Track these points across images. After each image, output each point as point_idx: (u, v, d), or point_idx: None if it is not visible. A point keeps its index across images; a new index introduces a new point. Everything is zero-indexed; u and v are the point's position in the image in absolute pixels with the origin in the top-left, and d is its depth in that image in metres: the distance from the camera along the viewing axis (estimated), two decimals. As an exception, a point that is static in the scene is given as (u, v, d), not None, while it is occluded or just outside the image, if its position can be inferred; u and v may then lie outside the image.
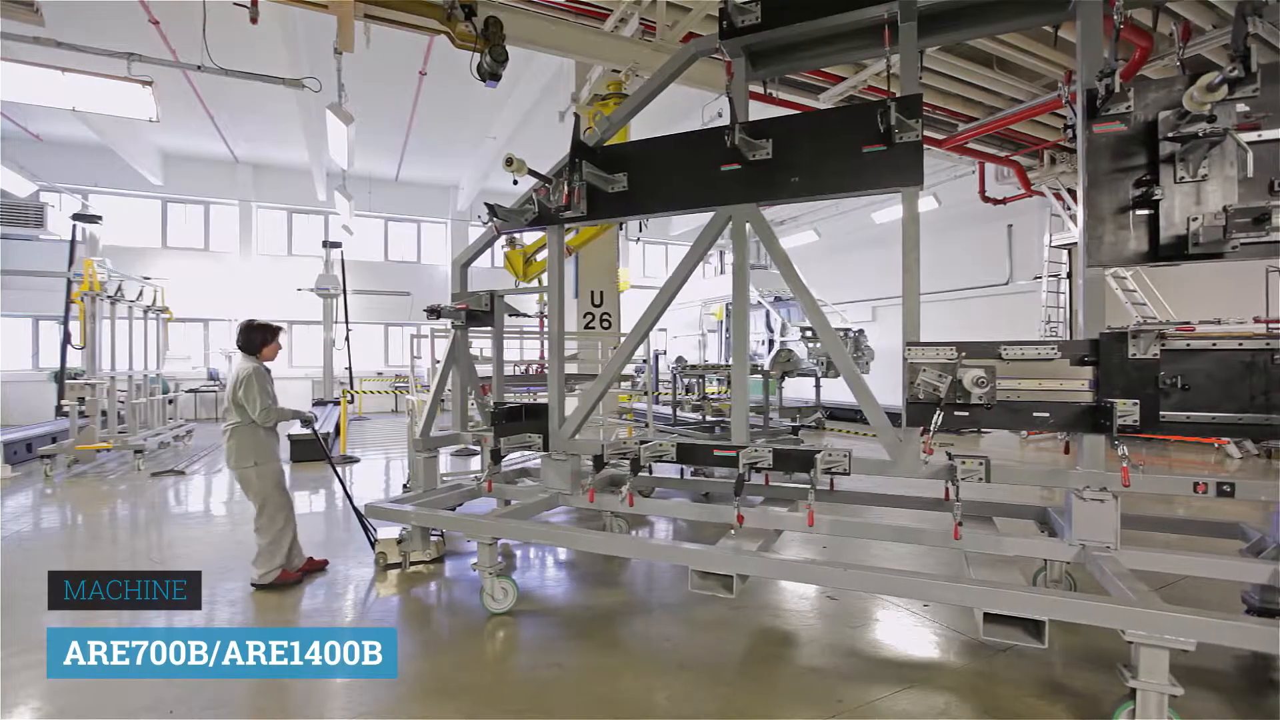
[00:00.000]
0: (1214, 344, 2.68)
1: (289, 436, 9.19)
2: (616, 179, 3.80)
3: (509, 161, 3.45)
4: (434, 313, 4.69)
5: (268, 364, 4.19)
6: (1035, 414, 2.88)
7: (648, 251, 21.38)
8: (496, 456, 4.06)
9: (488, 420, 4.40)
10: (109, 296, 9.41)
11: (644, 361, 8.41)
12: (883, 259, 16.18)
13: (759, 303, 13.80)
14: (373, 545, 4.38)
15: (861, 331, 12.94)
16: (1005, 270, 13.25)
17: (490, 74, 5.08)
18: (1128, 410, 2.68)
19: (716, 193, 3.59)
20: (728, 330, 14.64)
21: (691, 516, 4.24)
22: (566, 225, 4.17)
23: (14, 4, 5.22)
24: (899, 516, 4.26)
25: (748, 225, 3.58)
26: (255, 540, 3.98)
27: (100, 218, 10.61)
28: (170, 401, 11.93)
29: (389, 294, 15.46)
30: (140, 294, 10.69)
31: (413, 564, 4.31)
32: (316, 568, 4.29)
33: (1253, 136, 2.58)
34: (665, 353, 15.21)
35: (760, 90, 8.11)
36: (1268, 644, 2.20)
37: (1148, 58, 7.02)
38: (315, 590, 3.99)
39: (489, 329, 4.64)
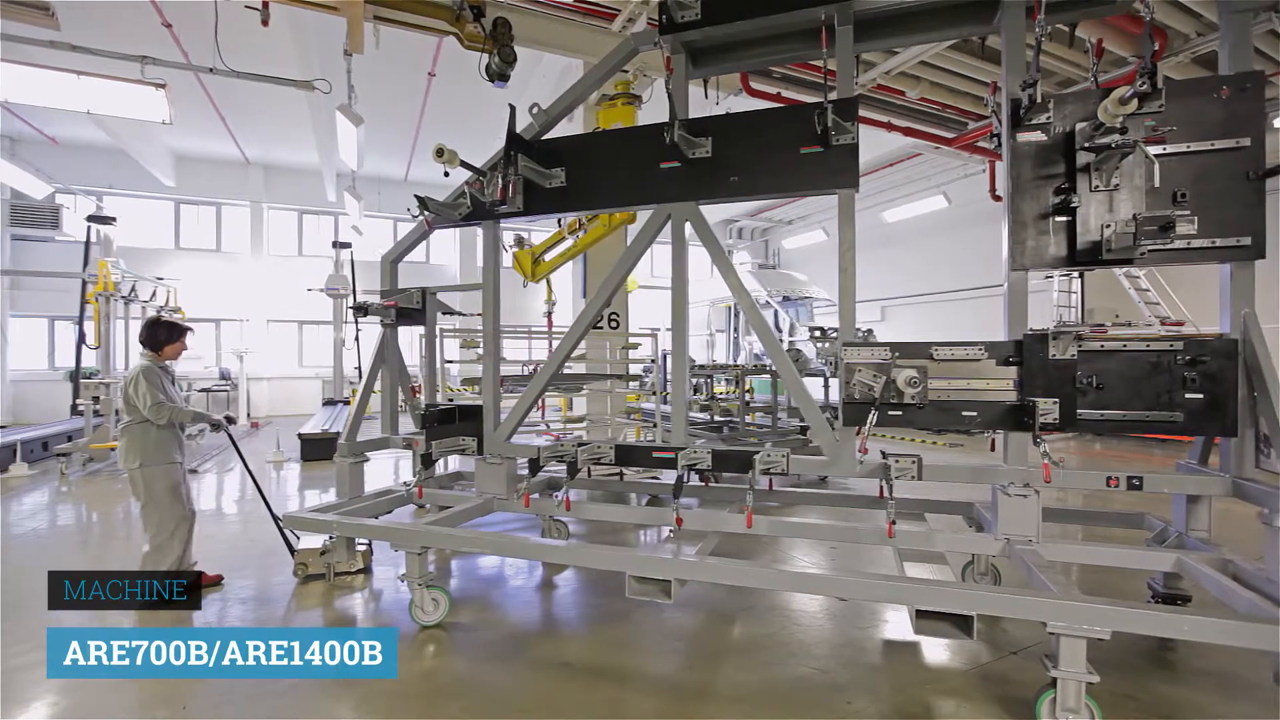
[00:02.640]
0: (1125, 345, 2.85)
1: (299, 436, 9.26)
2: (554, 174, 3.73)
3: (439, 152, 3.28)
4: (362, 310, 4.49)
5: (169, 363, 4.07)
6: (964, 413, 3.01)
7: (656, 251, 21.34)
8: (427, 461, 3.88)
9: (419, 422, 4.17)
10: (123, 297, 9.58)
11: (651, 361, 8.38)
12: (892, 258, 16.16)
13: (767, 302, 13.77)
14: (293, 554, 4.21)
15: (870, 331, 12.90)
16: (1016, 269, 13.12)
17: (499, 75, 5.10)
18: (1048, 409, 2.83)
19: (656, 190, 3.58)
20: (735, 329, 14.62)
21: (635, 520, 4.18)
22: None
23: (30, 8, 5.29)
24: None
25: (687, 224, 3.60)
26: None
27: (114, 219, 10.78)
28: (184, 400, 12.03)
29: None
30: (153, 294, 10.87)
31: (338, 574, 4.15)
32: (210, 583, 4.06)
33: (1159, 149, 2.78)
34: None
35: (766, 90, 8.12)
36: (1173, 630, 2.38)
37: (1161, 55, 6.96)
38: (223, 603, 3.83)
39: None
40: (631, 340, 8.07)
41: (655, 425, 7.24)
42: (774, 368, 10.45)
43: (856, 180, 3.20)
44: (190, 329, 4.13)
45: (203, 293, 14.75)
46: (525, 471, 3.89)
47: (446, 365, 7.32)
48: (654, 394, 7.93)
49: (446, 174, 3.58)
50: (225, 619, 3.63)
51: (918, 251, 15.32)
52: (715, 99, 4.30)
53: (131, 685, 2.83)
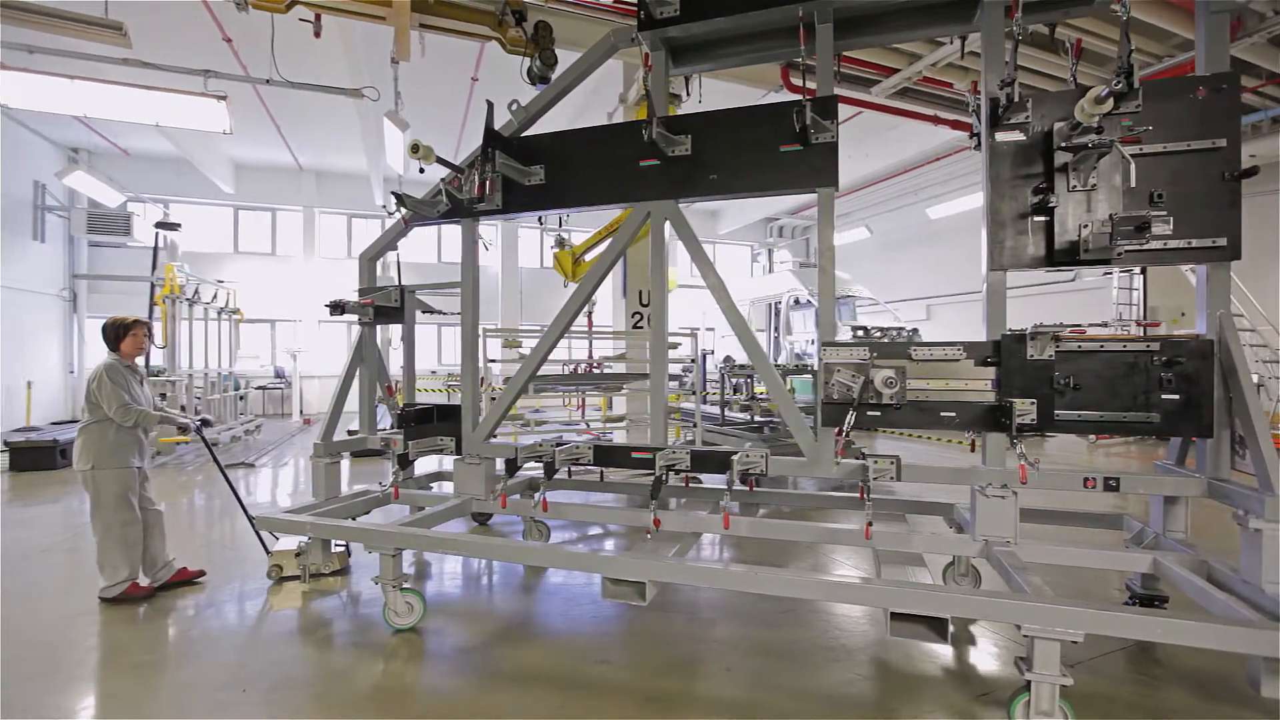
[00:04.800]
0: (1102, 346, 2.86)
1: (348, 432, 9.59)
2: (533, 171, 3.72)
3: (414, 148, 3.21)
4: (338, 308, 4.43)
5: (137, 359, 4.06)
6: (943, 414, 3.04)
7: (694, 250, 21.28)
8: (404, 461, 3.81)
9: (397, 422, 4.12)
10: (187, 299, 10.01)
11: (691, 360, 8.34)
12: (938, 256, 15.72)
13: (809, 301, 13.57)
14: (269, 555, 4.22)
15: (915, 330, 12.57)
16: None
17: (540, 78, 5.18)
18: (1025, 409, 2.84)
19: (635, 188, 3.56)
20: (776, 329, 14.43)
21: (613, 521, 4.14)
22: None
23: (106, 29, 5.62)
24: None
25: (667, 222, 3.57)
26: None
27: (179, 225, 11.35)
28: (241, 398, 12.64)
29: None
30: (214, 296, 11.36)
31: (313, 576, 4.14)
32: (190, 578, 4.08)
33: (1135, 149, 2.79)
34: (713, 352, 15.11)
35: (807, 85, 7.99)
36: (1146, 633, 2.39)
37: (1236, 35, 6.57)
38: (195, 606, 3.79)
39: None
40: (671, 340, 8.05)
41: (695, 425, 7.21)
42: (813, 368, 10.30)
43: (836, 179, 3.18)
44: (144, 321, 4.08)
45: (259, 294, 15.43)
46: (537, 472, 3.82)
47: (490, 364, 7.47)
48: (694, 393, 7.90)
49: (422, 170, 3.58)
50: (194, 622, 3.59)
51: (965, 248, 14.83)
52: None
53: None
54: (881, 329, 11.92)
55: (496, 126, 3.64)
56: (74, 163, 13.48)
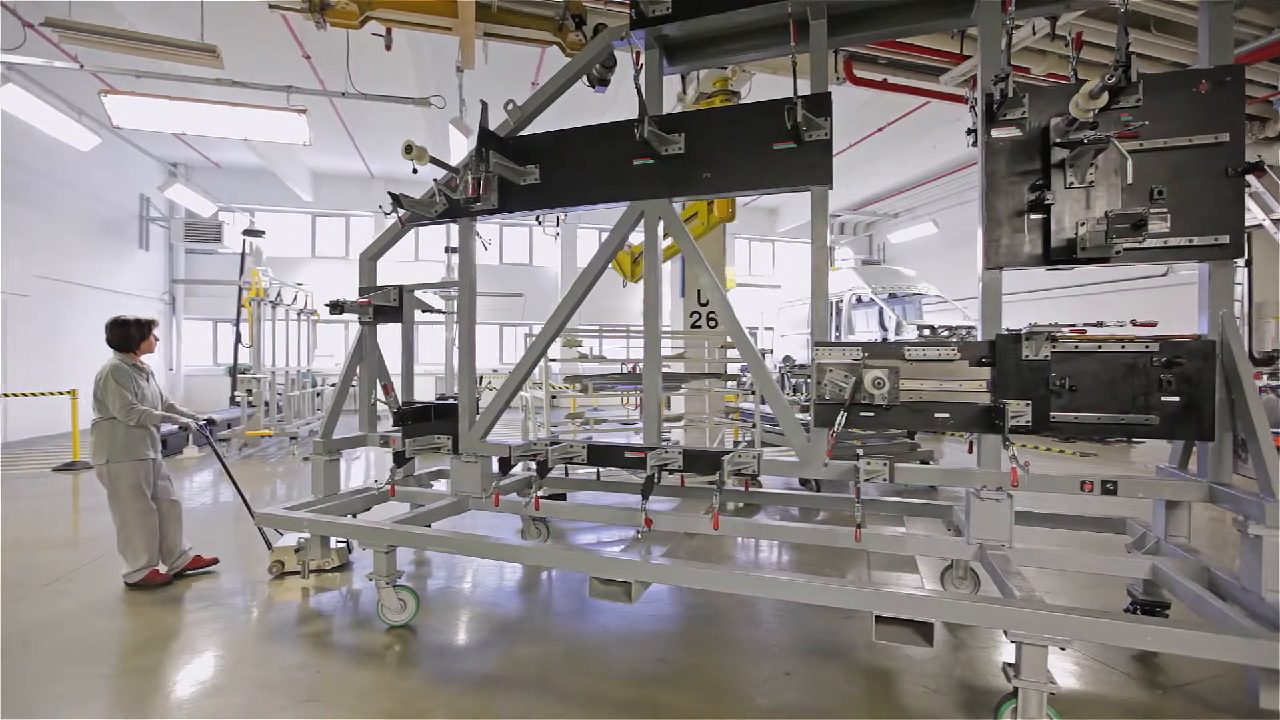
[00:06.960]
0: (1100, 346, 2.80)
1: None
2: (528, 171, 3.72)
3: (408, 149, 3.19)
4: (337, 308, 4.45)
5: (145, 359, 4.21)
6: (936, 415, 3.00)
7: (754, 249, 21.03)
8: (400, 459, 3.83)
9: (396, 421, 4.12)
10: (270, 301, 10.66)
11: (749, 360, 8.21)
12: (1013, 250, 14.85)
13: (871, 300, 13.17)
14: (271, 549, 4.33)
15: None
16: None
17: (599, 80, 5.22)
18: (1020, 411, 2.81)
19: (629, 187, 3.54)
20: (838, 328, 14.06)
21: (607, 520, 4.10)
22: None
23: (201, 51, 6.08)
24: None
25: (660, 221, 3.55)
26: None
27: (264, 232, 12.10)
28: (318, 394, 13.38)
29: (503, 295, 16.36)
30: (294, 298, 12.05)
31: (313, 572, 4.23)
32: (204, 565, 4.27)
33: (1134, 145, 2.72)
34: (772, 352, 14.89)
35: (871, 77, 7.75)
36: (1137, 641, 2.34)
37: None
38: (195, 600, 3.88)
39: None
40: (729, 339, 7.98)
41: (755, 425, 7.13)
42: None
43: (830, 176, 3.13)
44: (156, 320, 4.25)
45: (334, 296, 16.24)
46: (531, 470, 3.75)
47: (549, 363, 7.62)
48: (752, 394, 7.81)
49: (415, 171, 3.61)
50: (195, 615, 3.66)
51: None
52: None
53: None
54: (949, 328, 11.41)
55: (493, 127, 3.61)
56: (173, 176, 14.66)
